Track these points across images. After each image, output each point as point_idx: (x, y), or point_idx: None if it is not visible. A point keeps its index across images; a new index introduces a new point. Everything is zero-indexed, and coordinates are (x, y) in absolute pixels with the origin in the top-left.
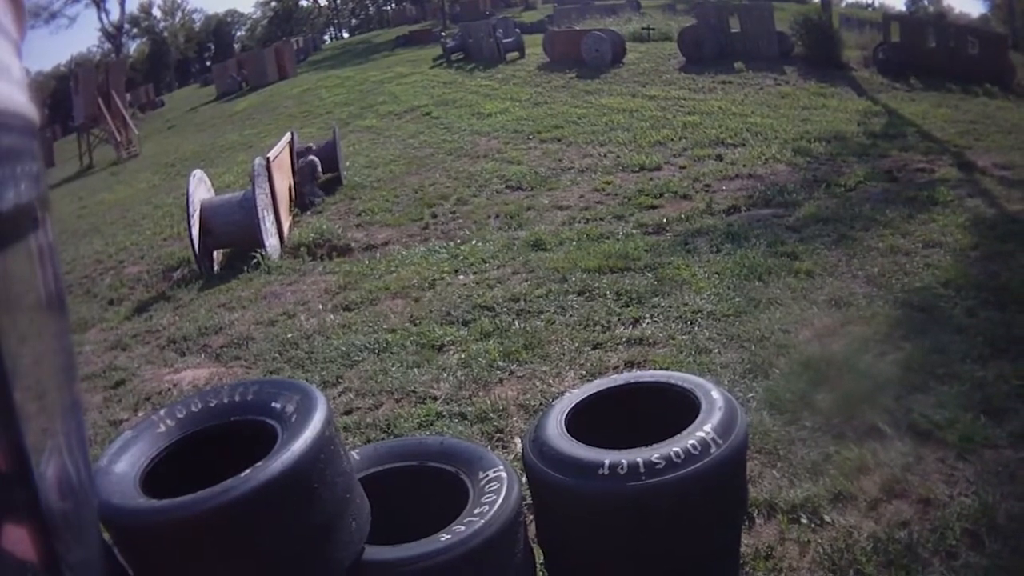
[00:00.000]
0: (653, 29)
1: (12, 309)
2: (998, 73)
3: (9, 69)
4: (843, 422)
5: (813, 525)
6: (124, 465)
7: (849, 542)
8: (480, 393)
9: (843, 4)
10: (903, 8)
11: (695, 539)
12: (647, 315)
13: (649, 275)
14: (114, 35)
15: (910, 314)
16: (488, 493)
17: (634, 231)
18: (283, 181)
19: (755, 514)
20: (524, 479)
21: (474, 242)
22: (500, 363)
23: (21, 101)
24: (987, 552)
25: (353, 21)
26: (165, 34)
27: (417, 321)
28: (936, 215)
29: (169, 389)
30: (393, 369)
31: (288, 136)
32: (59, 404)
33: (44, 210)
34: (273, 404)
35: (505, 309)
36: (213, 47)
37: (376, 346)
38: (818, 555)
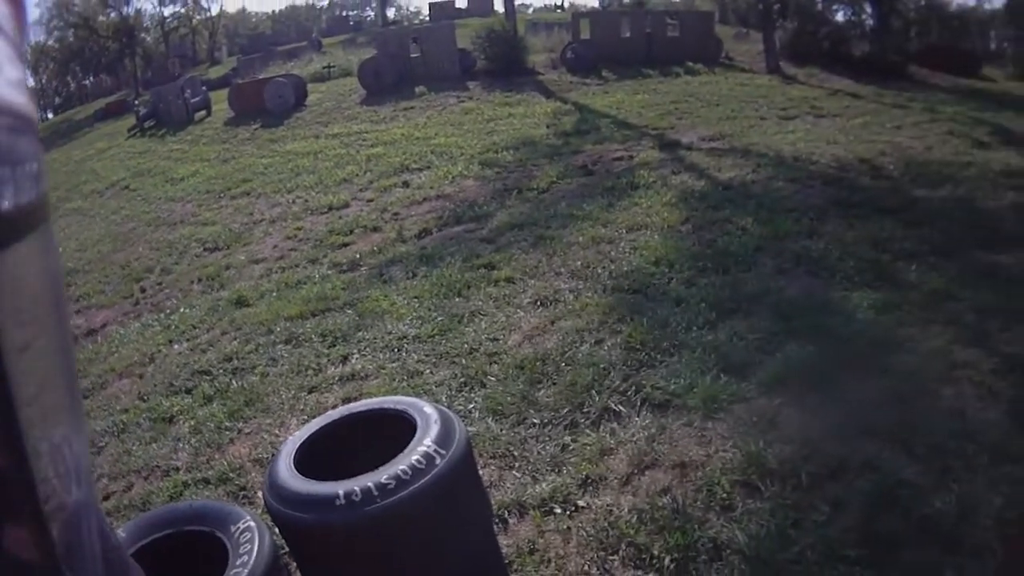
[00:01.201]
0: (334, 67)
1: (12, 309)
2: (702, 50)
3: (9, 69)
4: (572, 412)
5: (568, 512)
6: None
7: (611, 519)
8: (216, 456)
9: (531, 11)
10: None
11: (449, 548)
12: (354, 351)
13: (350, 312)
14: None
15: (623, 298)
16: (244, 543)
17: (329, 271)
18: None
19: (506, 515)
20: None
21: (182, 310)
22: (227, 424)
23: (21, 101)
24: (767, 496)
25: (56, 100)
26: None
27: (145, 397)
28: (638, 199)
29: None
30: (134, 448)
31: None
32: (59, 405)
33: (44, 211)
34: None
35: (221, 370)
36: None
37: (115, 428)
38: (583, 538)
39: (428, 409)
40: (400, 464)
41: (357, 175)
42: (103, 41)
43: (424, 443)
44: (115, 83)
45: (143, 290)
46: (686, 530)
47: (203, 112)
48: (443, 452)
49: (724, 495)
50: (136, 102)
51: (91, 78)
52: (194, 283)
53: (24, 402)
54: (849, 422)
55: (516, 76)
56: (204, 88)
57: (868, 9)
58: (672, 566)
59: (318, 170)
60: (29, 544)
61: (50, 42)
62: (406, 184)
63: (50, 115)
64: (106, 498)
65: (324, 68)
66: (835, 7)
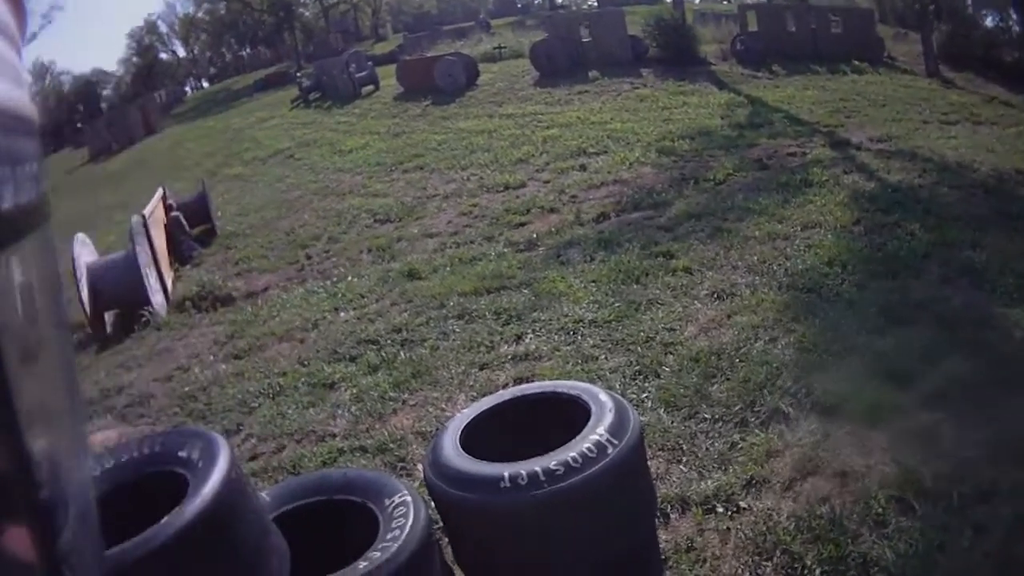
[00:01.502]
0: (504, 48)
1: (12, 310)
2: (865, 49)
3: (10, 68)
4: (743, 410)
5: (730, 512)
6: None
7: (770, 524)
8: (376, 426)
9: (697, 1)
10: None
11: (608, 540)
12: (529, 330)
13: (526, 291)
14: None
15: (797, 296)
16: (397, 518)
17: (505, 250)
18: (161, 238)
19: (668, 510)
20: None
21: (350, 278)
22: (391, 394)
23: (22, 101)
24: (919, 515)
25: (212, 70)
26: (36, 99)
27: (306, 362)
28: (812, 197)
29: None
30: (290, 412)
31: (160, 192)
32: (59, 405)
33: (44, 211)
34: (180, 453)
35: (389, 341)
36: (82, 108)
37: (270, 391)
38: (740, 540)
39: (603, 397)
40: (571, 451)
41: (533, 156)
42: (257, 14)
43: (597, 431)
44: (274, 55)
45: (308, 257)
46: (839, 543)
47: (371, 87)
48: (615, 442)
49: (879, 510)
50: (299, 75)
51: (248, 50)
52: (363, 253)
53: (24, 402)
54: (1003, 444)
55: (688, 65)
56: (370, 63)
57: (1014, 15)
58: None
59: (493, 149)
60: (29, 544)
61: (199, 14)
62: (583, 168)
63: (205, 84)
64: (253, 458)
65: (495, 48)
66: (984, 12)
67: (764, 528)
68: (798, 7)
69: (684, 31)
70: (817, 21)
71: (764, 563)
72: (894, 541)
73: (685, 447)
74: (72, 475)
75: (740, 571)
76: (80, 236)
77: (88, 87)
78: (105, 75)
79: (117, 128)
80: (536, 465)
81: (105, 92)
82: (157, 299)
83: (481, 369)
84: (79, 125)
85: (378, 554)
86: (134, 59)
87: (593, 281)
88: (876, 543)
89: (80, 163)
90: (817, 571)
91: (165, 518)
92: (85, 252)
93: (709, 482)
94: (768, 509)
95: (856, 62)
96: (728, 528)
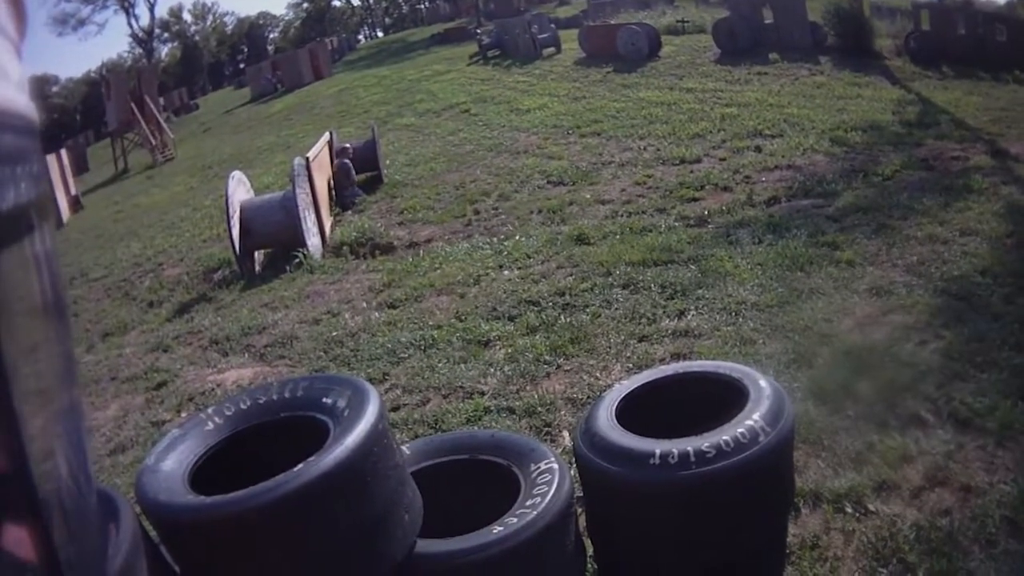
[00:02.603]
0: (687, 22)
1: (12, 310)
2: None
3: (8, 69)
4: (886, 411)
5: (858, 514)
6: (171, 463)
7: (892, 531)
8: (527, 387)
9: None
10: None
11: (743, 528)
12: (691, 307)
13: (693, 267)
14: (144, 40)
15: (949, 302)
16: (540, 485)
17: (676, 224)
18: (323, 181)
19: (801, 504)
20: (574, 471)
21: (517, 237)
22: (547, 357)
23: (21, 101)
24: None
25: (387, 20)
26: (196, 38)
27: (463, 317)
28: (972, 203)
29: (212, 389)
30: (440, 365)
31: (327, 136)
32: (59, 405)
33: (44, 211)
34: (324, 400)
35: (551, 303)
36: (246, 49)
37: (422, 343)
38: (862, 544)
39: (763, 382)
40: (724, 434)
41: (710, 132)
42: None
43: (753, 416)
44: (453, 10)
45: (476, 212)
46: (952, 558)
47: (552, 49)
48: (768, 430)
49: (992, 529)
50: (478, 31)
51: (426, 2)
52: (533, 213)
53: (24, 402)
54: None
55: (863, 57)
56: (553, 26)
57: None
58: None
59: (671, 121)
60: (29, 544)
61: None
62: (758, 149)
63: (379, 33)
64: (395, 409)
65: (678, 22)
66: None
67: (886, 534)
68: (969, 11)
69: (862, 22)
70: (984, 26)
71: (880, 569)
72: (999, 563)
73: (826, 442)
74: (72, 474)
75: (857, 575)
76: (236, 174)
77: (253, 29)
78: (272, 18)
79: (284, 71)
80: (688, 445)
81: (272, 35)
82: (313, 241)
83: (640, 341)
84: (242, 66)
85: (514, 520)
86: (304, 4)
87: (759, 264)
88: (983, 562)
89: (241, 103)
90: None
91: (297, 467)
92: (240, 190)
93: (843, 480)
94: (893, 515)
95: (1019, 72)
96: (853, 530)
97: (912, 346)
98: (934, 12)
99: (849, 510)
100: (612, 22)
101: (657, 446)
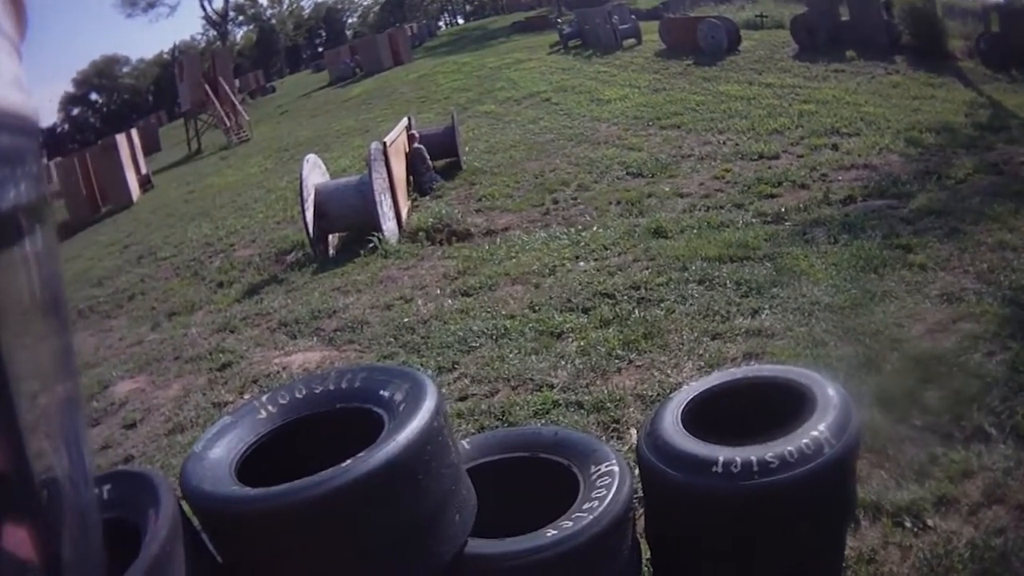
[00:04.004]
0: (766, 17)
1: (12, 309)
2: None
3: (7, 69)
4: (950, 423)
5: (916, 529)
6: (220, 451)
7: (948, 548)
8: (598, 382)
9: None
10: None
11: (803, 541)
12: (766, 306)
13: (768, 265)
14: (219, 23)
15: (1017, 312)
16: (599, 488)
17: (753, 220)
18: (400, 166)
19: (861, 516)
20: (637, 472)
21: (595, 228)
22: (619, 352)
23: (21, 101)
24: None
25: (467, 7)
26: (273, 21)
27: (536, 307)
28: None
29: (278, 372)
30: (510, 356)
31: (405, 121)
32: (58, 404)
33: (44, 211)
34: (381, 392)
35: (625, 297)
36: (324, 34)
37: (494, 332)
38: (918, 560)
39: (831, 391)
40: (789, 444)
41: (789, 128)
42: None
43: (819, 427)
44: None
45: (555, 202)
46: None
47: (632, 40)
48: (833, 442)
49: None
50: (559, 20)
51: None
52: (611, 204)
53: (25, 402)
54: None
55: (937, 58)
56: (633, 17)
57: None
58: None
59: (751, 116)
60: (29, 544)
61: None
62: (835, 147)
63: (460, 20)
64: (463, 399)
65: (757, 16)
66: None
67: (942, 551)
68: None
69: (935, 22)
70: None
71: None
72: None
73: (891, 452)
74: (72, 473)
75: None
76: (311, 157)
77: (331, 14)
78: (351, 3)
79: (363, 55)
80: (752, 454)
81: (350, 20)
82: (389, 226)
83: (713, 339)
84: (320, 49)
85: (570, 523)
86: None
87: (834, 264)
88: None
89: (319, 87)
90: None
91: (347, 462)
92: (316, 173)
93: (904, 493)
94: (951, 532)
95: None
96: (911, 545)
97: (979, 356)
98: (1003, 14)
99: (908, 524)
100: (692, 15)
101: (721, 453)
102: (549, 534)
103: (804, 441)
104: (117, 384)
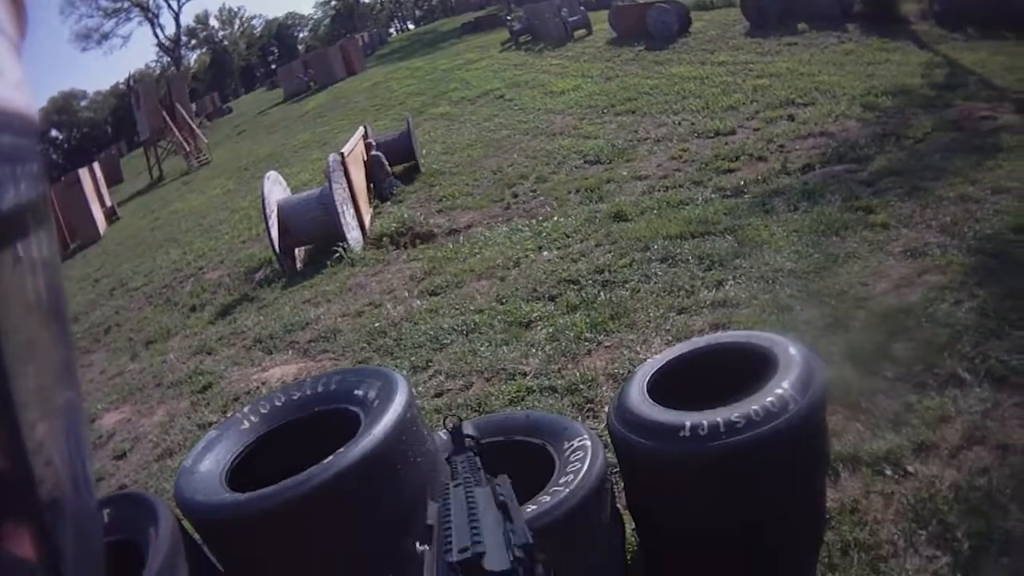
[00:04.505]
0: None
1: (12, 309)
2: None
3: (7, 69)
4: (923, 372)
5: (897, 476)
6: (209, 463)
7: (931, 492)
8: (569, 366)
9: None
10: None
11: (779, 496)
12: (729, 277)
13: (729, 238)
14: (172, 49)
15: (983, 261)
16: (573, 463)
17: (713, 196)
18: (360, 174)
19: (840, 468)
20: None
21: (556, 218)
22: (587, 335)
23: (21, 101)
24: None
25: (417, 12)
26: (225, 43)
27: (503, 300)
28: (1002, 161)
29: (258, 387)
30: (482, 349)
31: (361, 130)
32: (58, 405)
33: (44, 211)
34: (356, 391)
35: (590, 281)
36: (276, 51)
37: (464, 328)
38: (902, 506)
39: (793, 350)
40: (753, 404)
41: (743, 104)
42: None
43: (782, 385)
44: None
45: (515, 196)
46: (990, 517)
47: (583, 31)
48: (798, 398)
49: None
50: (509, 17)
51: None
52: (571, 193)
53: (24, 402)
54: None
55: (890, 23)
56: (582, 8)
57: None
58: (968, 553)
59: (704, 95)
60: (29, 544)
61: None
62: (791, 118)
63: (410, 26)
64: (439, 395)
65: None
66: None
67: (926, 495)
68: None
69: None
70: None
71: (920, 531)
72: None
73: (864, 404)
74: (73, 474)
75: (897, 538)
76: (271, 174)
77: (282, 30)
78: (301, 18)
79: (316, 69)
80: (718, 416)
81: (301, 35)
82: (353, 235)
83: (679, 314)
84: (273, 67)
85: (547, 498)
86: (332, 1)
87: (795, 231)
88: (1020, 523)
89: (274, 103)
90: (965, 544)
91: (328, 458)
92: (277, 190)
93: (881, 443)
94: (932, 476)
95: None
96: (892, 492)
97: (947, 306)
98: None
99: (888, 472)
100: (641, 1)
101: (687, 418)
102: (529, 510)
103: (769, 399)
104: (103, 416)
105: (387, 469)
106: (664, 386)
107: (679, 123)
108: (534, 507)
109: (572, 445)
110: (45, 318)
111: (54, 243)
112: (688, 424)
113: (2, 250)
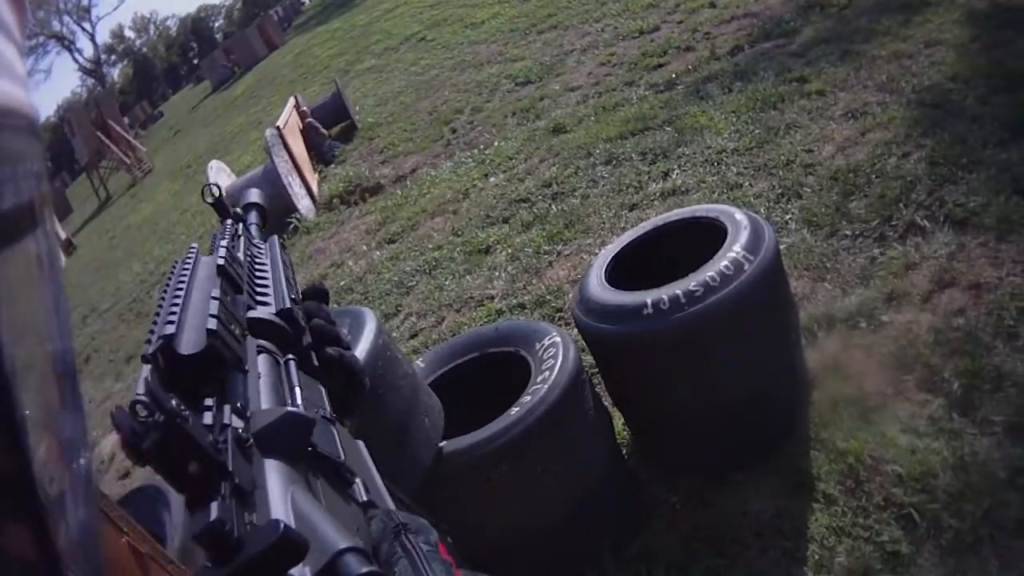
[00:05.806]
0: None
1: (13, 308)
2: None
3: (10, 67)
4: (881, 225)
5: (873, 328)
6: None
7: (910, 338)
8: (533, 281)
9: None
10: None
11: (754, 359)
12: (675, 166)
13: (669, 129)
14: (93, 69)
15: (925, 112)
16: (547, 360)
17: (646, 92)
18: (299, 143)
19: (815, 328)
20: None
21: (497, 144)
22: (546, 248)
23: (22, 99)
24: None
25: None
26: (144, 50)
27: (459, 232)
28: (930, 16)
29: None
30: (447, 283)
31: (292, 100)
32: (60, 404)
33: (45, 209)
34: None
35: (540, 197)
36: (196, 45)
37: (426, 267)
38: (883, 356)
39: (739, 216)
40: (709, 271)
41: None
42: None
43: (734, 249)
44: None
45: (453, 131)
46: (975, 355)
47: None
48: (751, 258)
49: (1011, 322)
50: None
51: None
52: (508, 117)
53: (24, 402)
54: None
55: None
56: None
57: None
58: (959, 392)
59: None
60: (29, 544)
61: None
62: (712, 4)
63: None
64: (414, 336)
65: None
66: None
67: (905, 342)
68: None
69: None
70: None
71: (905, 378)
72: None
73: (828, 265)
74: (73, 471)
75: (883, 387)
76: (214, 163)
77: (198, 24)
78: (214, 8)
79: (237, 53)
80: (677, 288)
81: (217, 24)
82: (303, 204)
83: (631, 210)
84: (195, 61)
85: (529, 398)
86: None
87: (733, 111)
88: (1008, 356)
89: (204, 97)
90: (955, 384)
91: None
92: (222, 177)
93: (852, 298)
94: (908, 322)
95: None
96: (871, 343)
97: (896, 159)
98: None
99: (864, 325)
100: None
101: (647, 296)
102: (513, 412)
103: (723, 264)
104: (101, 442)
105: (370, 396)
106: (621, 273)
107: (602, 30)
108: (518, 408)
109: (543, 344)
110: (47, 314)
111: (55, 240)
112: (649, 301)
113: (3, 249)
